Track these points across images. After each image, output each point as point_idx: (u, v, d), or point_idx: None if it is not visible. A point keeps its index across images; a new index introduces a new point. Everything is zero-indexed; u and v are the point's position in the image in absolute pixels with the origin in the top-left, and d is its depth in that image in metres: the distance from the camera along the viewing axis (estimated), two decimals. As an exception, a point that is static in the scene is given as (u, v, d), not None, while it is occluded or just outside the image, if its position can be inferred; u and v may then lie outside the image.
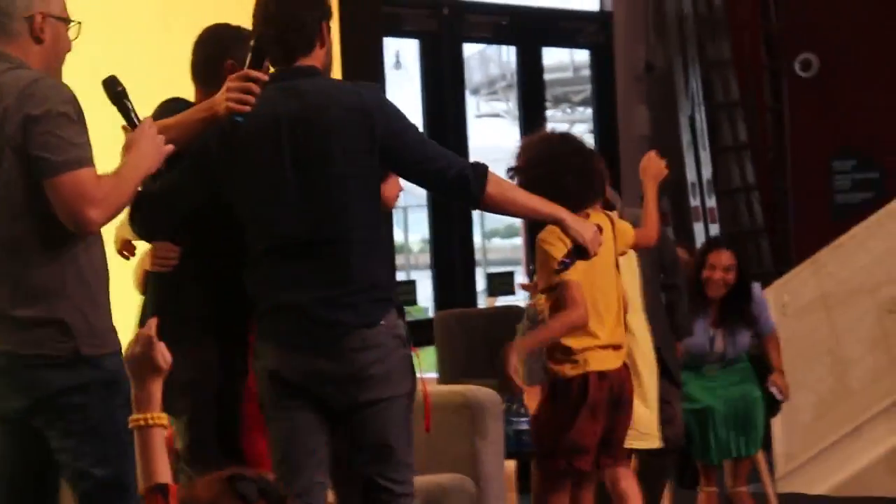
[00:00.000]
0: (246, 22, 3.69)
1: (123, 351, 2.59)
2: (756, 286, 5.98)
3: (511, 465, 5.33)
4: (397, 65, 9.21)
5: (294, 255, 3.49)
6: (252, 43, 3.51)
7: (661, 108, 9.63)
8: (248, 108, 3.40)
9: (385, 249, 3.66)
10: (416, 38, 8.60)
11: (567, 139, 4.52)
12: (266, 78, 3.47)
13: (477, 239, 10.33)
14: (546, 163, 4.33)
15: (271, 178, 3.51)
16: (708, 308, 5.76)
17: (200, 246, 3.65)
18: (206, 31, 3.81)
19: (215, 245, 3.67)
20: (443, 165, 3.57)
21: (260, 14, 3.58)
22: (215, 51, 3.73)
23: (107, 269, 3.25)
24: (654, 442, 4.97)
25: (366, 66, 6.94)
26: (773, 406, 5.92)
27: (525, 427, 5.36)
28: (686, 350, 5.60)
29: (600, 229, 3.82)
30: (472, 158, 3.69)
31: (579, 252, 3.76)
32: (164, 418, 2.48)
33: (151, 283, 3.72)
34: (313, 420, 3.53)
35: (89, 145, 3.11)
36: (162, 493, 2.38)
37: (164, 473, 2.41)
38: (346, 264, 3.49)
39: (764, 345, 5.95)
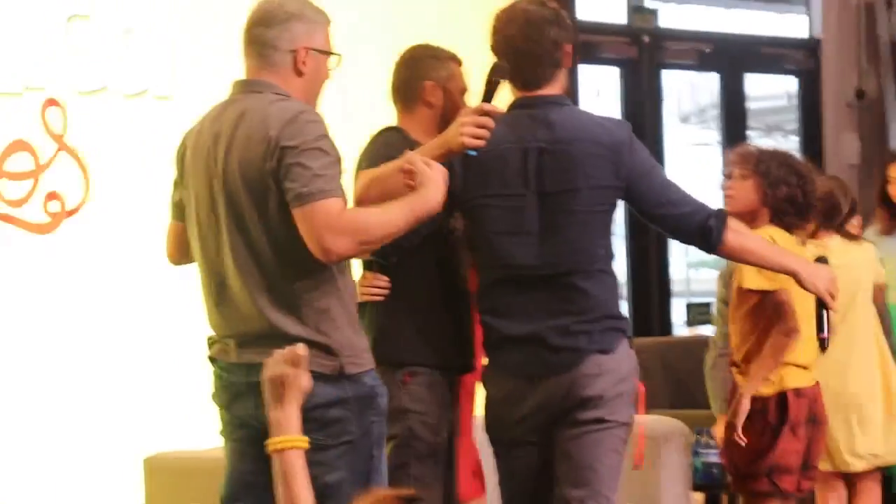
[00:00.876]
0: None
1: (266, 370, 2.59)
2: None
3: (699, 497, 5.21)
4: (598, 94, 9.14)
5: (529, 285, 3.54)
6: (487, 76, 3.53)
7: (872, 137, 9.32)
8: (482, 142, 3.43)
9: (616, 283, 3.67)
10: (615, 65, 8.54)
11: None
12: (498, 111, 3.49)
13: (682, 268, 10.19)
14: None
15: (513, 207, 3.53)
16: None
17: (421, 277, 3.69)
18: (405, 53, 3.86)
19: (433, 277, 3.72)
20: (686, 211, 3.60)
21: (503, 37, 3.59)
22: (414, 72, 3.78)
23: (356, 290, 3.34)
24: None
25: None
26: None
27: (714, 459, 5.23)
28: None
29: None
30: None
31: (822, 306, 3.82)
32: (304, 441, 2.46)
33: (367, 311, 3.73)
34: (541, 455, 3.60)
35: (338, 177, 3.19)
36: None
37: (308, 497, 2.38)
38: (583, 294, 3.55)
39: None
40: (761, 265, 3.89)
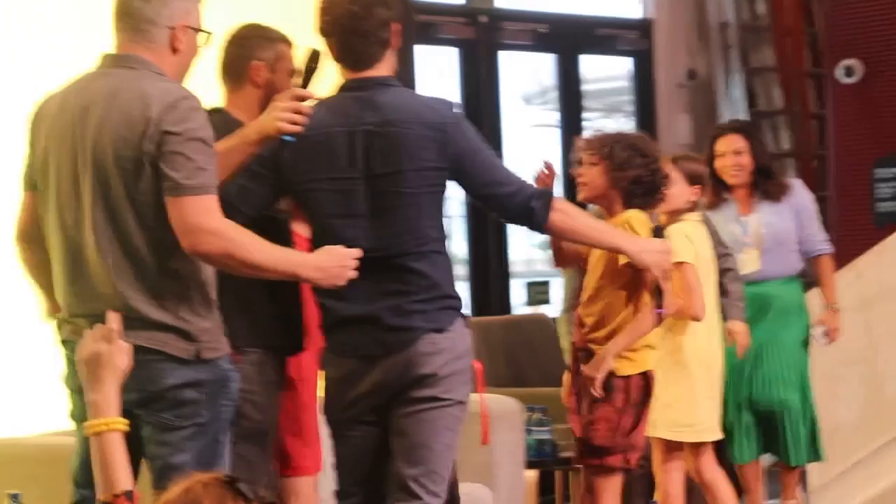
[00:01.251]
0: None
1: (81, 350, 2.55)
2: (798, 184, 5.70)
3: (532, 474, 5.27)
4: (439, 74, 9.18)
5: (363, 267, 3.53)
6: (303, 62, 3.56)
7: (704, 117, 9.53)
8: (298, 128, 3.45)
9: (449, 263, 3.68)
10: (453, 46, 8.57)
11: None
12: (314, 96, 3.48)
13: (523, 249, 10.29)
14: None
15: (343, 190, 3.52)
16: (732, 197, 5.58)
17: None
18: (235, 32, 3.83)
19: None
20: (510, 191, 3.62)
21: (328, 16, 3.58)
22: (242, 51, 3.76)
23: (214, 272, 3.32)
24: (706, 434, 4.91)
25: (400, 73, 6.92)
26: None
27: (547, 437, 5.30)
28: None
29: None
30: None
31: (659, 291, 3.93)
32: (122, 422, 2.44)
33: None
34: (378, 435, 3.64)
35: (216, 173, 3.18)
36: (128, 499, 2.34)
37: (126, 480, 2.37)
38: (417, 275, 3.57)
39: (814, 269, 5.54)
40: (588, 244, 3.96)
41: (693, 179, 4.90)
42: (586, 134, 4.55)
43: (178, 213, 3.14)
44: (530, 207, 3.64)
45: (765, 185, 5.57)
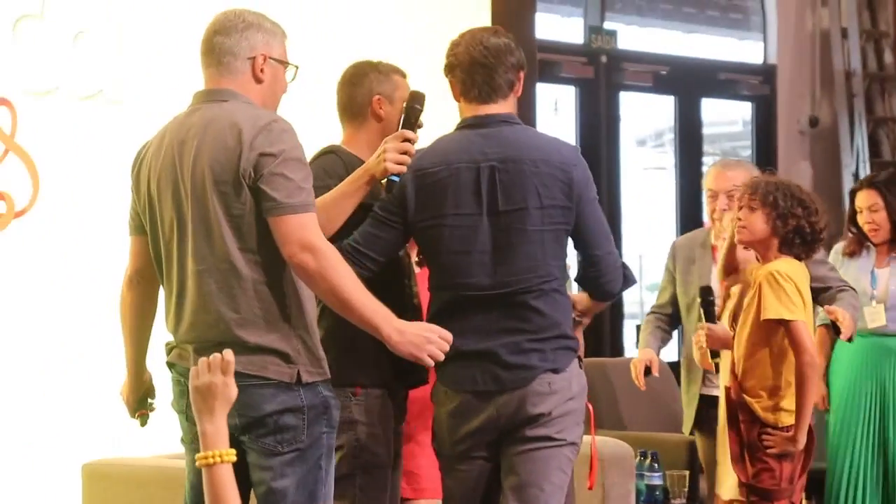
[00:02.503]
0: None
1: (195, 379, 2.54)
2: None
3: (641, 520, 5.20)
4: (555, 111, 9.17)
5: (483, 304, 3.54)
6: (406, 103, 3.63)
7: (824, 164, 9.39)
8: (404, 168, 3.50)
9: (569, 304, 3.69)
10: (572, 84, 8.56)
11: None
12: (417, 138, 3.55)
13: (635, 290, 10.23)
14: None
15: (467, 226, 3.54)
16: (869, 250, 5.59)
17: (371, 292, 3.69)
18: (348, 71, 3.88)
19: (383, 292, 3.71)
20: (610, 251, 3.67)
21: (460, 50, 3.64)
22: (360, 88, 3.81)
23: (314, 298, 3.35)
24: None
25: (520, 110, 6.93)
26: None
27: (658, 482, 5.23)
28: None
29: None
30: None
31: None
32: (232, 454, 2.43)
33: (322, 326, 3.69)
34: (489, 471, 3.62)
35: (312, 192, 3.25)
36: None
37: None
38: (536, 313, 3.56)
39: None
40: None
41: None
42: (748, 178, 4.53)
43: (280, 230, 3.18)
44: (626, 276, 3.70)
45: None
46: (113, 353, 5.08)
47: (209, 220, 3.23)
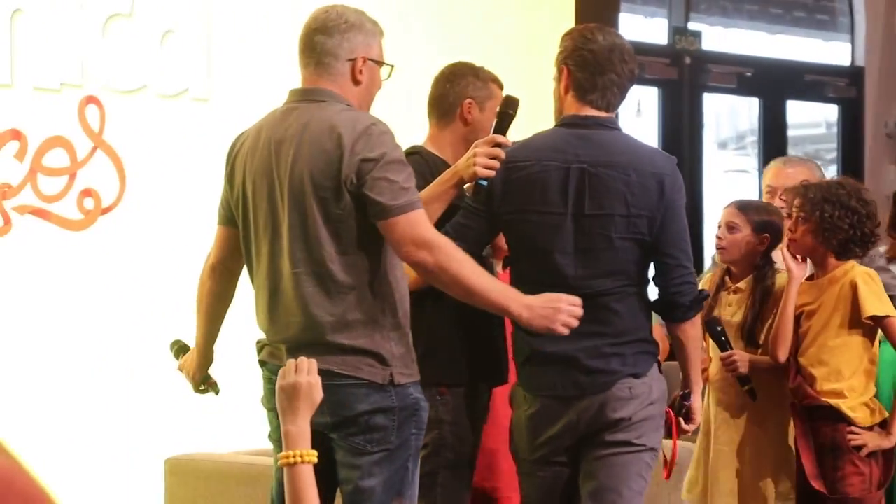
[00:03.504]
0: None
1: (281, 379, 2.57)
2: None
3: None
4: (638, 112, 9.12)
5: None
6: (500, 108, 3.60)
7: (912, 168, 9.26)
8: (493, 172, 3.48)
9: (649, 308, 3.66)
10: (656, 86, 8.51)
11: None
12: (510, 143, 3.52)
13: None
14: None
15: (551, 224, 3.53)
16: None
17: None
18: (447, 68, 3.89)
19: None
20: (683, 264, 3.59)
21: (593, 47, 3.59)
22: (454, 87, 3.81)
23: (409, 299, 3.37)
24: None
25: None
26: None
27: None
28: None
29: None
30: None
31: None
32: (313, 455, 2.45)
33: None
34: (567, 476, 3.59)
35: (416, 190, 3.27)
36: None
37: None
38: (616, 316, 3.53)
39: None
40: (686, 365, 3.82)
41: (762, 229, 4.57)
42: (796, 188, 4.34)
43: (392, 233, 3.19)
44: (682, 303, 3.57)
45: None
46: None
47: (307, 223, 3.24)
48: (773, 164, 4.98)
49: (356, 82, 3.34)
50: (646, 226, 3.54)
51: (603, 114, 3.56)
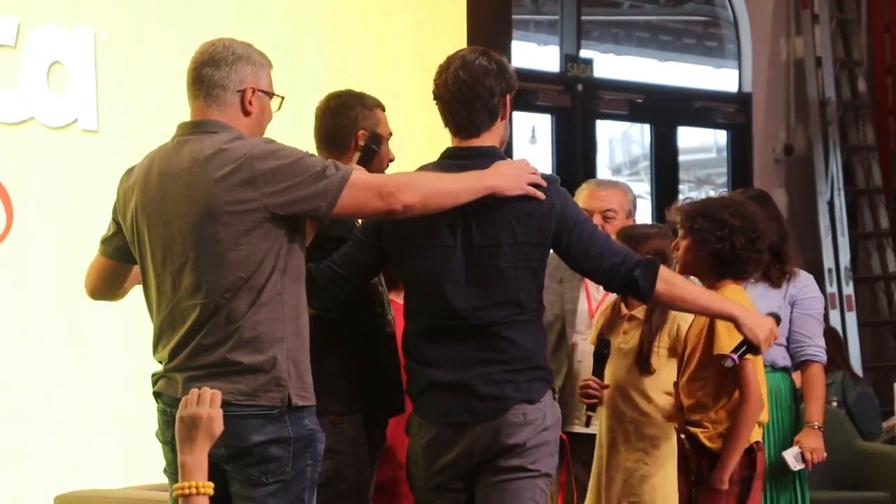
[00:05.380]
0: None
1: (182, 409, 2.55)
2: (808, 277, 4.71)
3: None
4: (532, 139, 9.19)
5: (457, 334, 3.52)
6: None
7: (800, 192, 9.43)
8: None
9: (543, 334, 3.66)
10: (548, 113, 8.58)
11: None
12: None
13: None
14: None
15: (440, 257, 3.54)
16: None
17: (346, 320, 3.68)
18: (331, 100, 3.85)
19: (358, 320, 3.72)
20: (614, 262, 3.59)
21: (439, 81, 3.60)
22: (345, 120, 3.79)
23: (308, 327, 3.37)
24: None
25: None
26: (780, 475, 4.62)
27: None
28: None
29: (777, 320, 3.78)
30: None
31: (750, 348, 3.73)
32: (209, 486, 2.44)
33: None
34: (465, 500, 3.59)
35: (327, 164, 3.27)
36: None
37: None
38: (511, 344, 3.54)
39: (802, 377, 4.63)
40: (697, 312, 3.86)
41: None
42: (680, 202, 4.35)
43: (351, 206, 3.26)
44: (634, 278, 3.58)
45: (768, 266, 4.62)
46: (83, 381, 5.08)
47: (205, 253, 3.23)
48: (586, 187, 4.84)
49: (246, 113, 3.35)
50: (535, 253, 3.56)
51: (484, 143, 3.57)
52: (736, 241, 4.00)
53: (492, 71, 3.56)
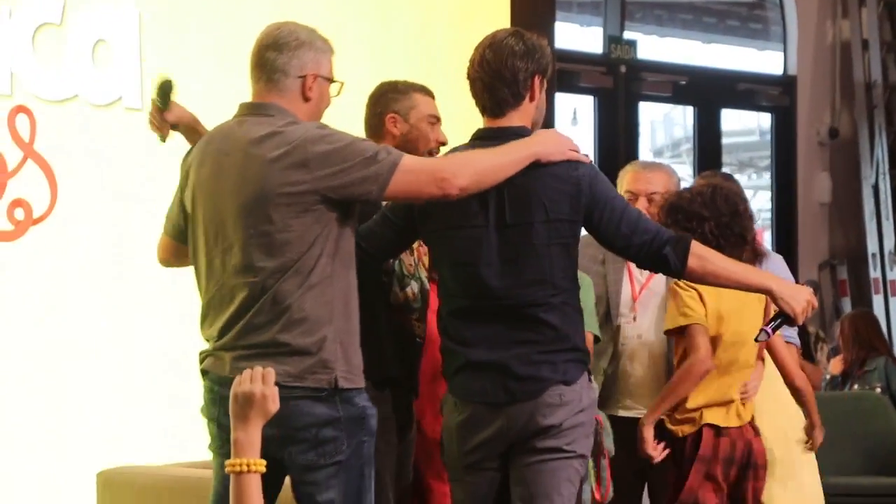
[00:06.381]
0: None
1: (237, 386, 2.57)
2: (778, 259, 4.77)
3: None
4: (574, 121, 9.17)
5: (492, 314, 3.52)
6: (156, 89, 3.63)
7: (844, 176, 9.37)
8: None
9: (580, 316, 3.66)
10: (591, 94, 8.56)
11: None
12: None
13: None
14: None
15: (474, 237, 3.54)
16: None
17: (372, 299, 3.67)
18: (372, 92, 3.96)
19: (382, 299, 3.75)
20: (644, 240, 3.58)
21: (470, 63, 3.62)
22: (377, 108, 3.90)
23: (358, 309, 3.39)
24: None
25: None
26: None
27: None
28: None
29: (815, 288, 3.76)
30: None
31: (786, 319, 3.69)
32: (262, 464, 2.45)
33: None
34: (498, 482, 3.59)
35: (377, 148, 3.29)
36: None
37: None
38: (547, 326, 3.54)
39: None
40: (732, 286, 3.86)
41: None
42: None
43: (405, 191, 3.29)
44: (664, 255, 3.58)
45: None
46: (125, 358, 5.12)
47: (257, 233, 3.25)
48: (631, 169, 4.76)
49: (306, 99, 3.38)
50: (568, 230, 3.57)
51: (513, 122, 3.55)
52: (706, 228, 4.09)
53: (518, 51, 3.55)
